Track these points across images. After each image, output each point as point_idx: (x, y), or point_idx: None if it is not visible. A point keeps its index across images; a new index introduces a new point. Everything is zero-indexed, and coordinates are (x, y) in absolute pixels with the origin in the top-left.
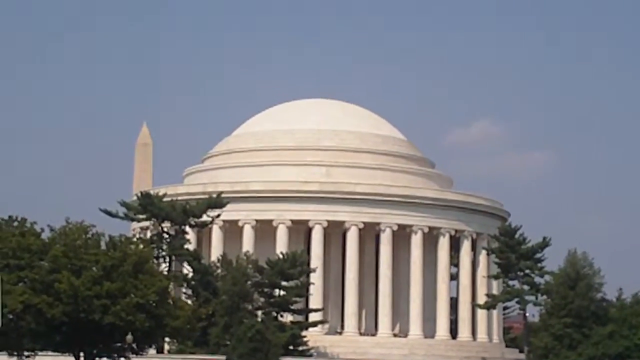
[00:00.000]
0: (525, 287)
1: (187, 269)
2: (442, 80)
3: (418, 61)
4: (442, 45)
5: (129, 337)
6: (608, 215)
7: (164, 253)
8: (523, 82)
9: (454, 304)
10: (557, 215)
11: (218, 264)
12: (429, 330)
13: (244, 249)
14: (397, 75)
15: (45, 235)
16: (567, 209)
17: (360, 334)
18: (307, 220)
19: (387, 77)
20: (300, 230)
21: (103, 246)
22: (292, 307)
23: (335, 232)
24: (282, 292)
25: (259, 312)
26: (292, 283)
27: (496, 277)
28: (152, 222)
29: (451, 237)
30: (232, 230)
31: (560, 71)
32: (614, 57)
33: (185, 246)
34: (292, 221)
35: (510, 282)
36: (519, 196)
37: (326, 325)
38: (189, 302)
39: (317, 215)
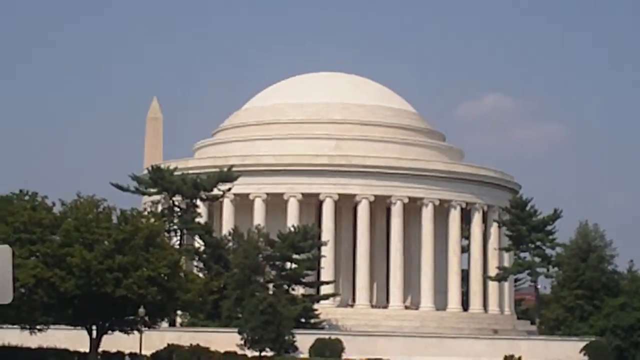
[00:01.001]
0: (537, 259)
1: (198, 243)
2: (453, 53)
3: (429, 34)
4: (453, 17)
5: (141, 310)
6: (619, 187)
7: (175, 227)
8: (534, 54)
9: (465, 276)
10: (568, 188)
11: (229, 237)
12: (440, 302)
13: (255, 222)
14: (408, 48)
15: (57, 209)
16: (578, 181)
17: (372, 306)
18: (318, 194)
19: (397, 50)
20: (311, 203)
21: (114, 220)
22: (304, 280)
23: (346, 205)
24: (293, 265)
25: (271, 285)
26: (303, 256)
27: (507, 250)
28: (163, 195)
29: (462, 209)
30: (243, 203)
31: (571, 43)
32: (627, 28)
33: (197, 220)
34: (303, 194)
35: (522, 254)
36: (530, 169)
37: (338, 298)
38: (201, 275)
39: (328, 188)
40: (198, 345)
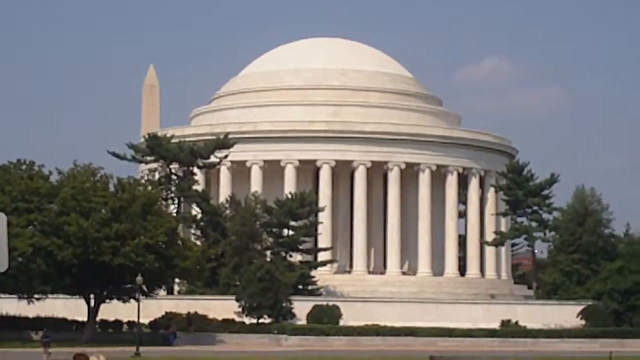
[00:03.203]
0: (534, 224)
1: (195, 210)
2: (450, 17)
3: None
4: None
5: (139, 278)
6: (616, 151)
7: (172, 194)
8: (533, 18)
9: (462, 241)
10: (565, 152)
11: (227, 205)
12: (437, 268)
13: (252, 190)
14: (405, 13)
15: (54, 178)
16: (576, 145)
17: (369, 272)
18: (315, 160)
19: (394, 15)
20: (308, 170)
21: (111, 188)
22: (301, 247)
23: (343, 172)
24: (290, 232)
25: (268, 252)
26: (300, 223)
27: (504, 214)
28: (160, 163)
29: (459, 174)
30: (240, 170)
31: (570, 7)
32: None
33: (194, 187)
34: (300, 161)
35: (519, 219)
36: (528, 133)
37: (335, 265)
38: (198, 242)
39: (325, 154)
40: (196, 312)
